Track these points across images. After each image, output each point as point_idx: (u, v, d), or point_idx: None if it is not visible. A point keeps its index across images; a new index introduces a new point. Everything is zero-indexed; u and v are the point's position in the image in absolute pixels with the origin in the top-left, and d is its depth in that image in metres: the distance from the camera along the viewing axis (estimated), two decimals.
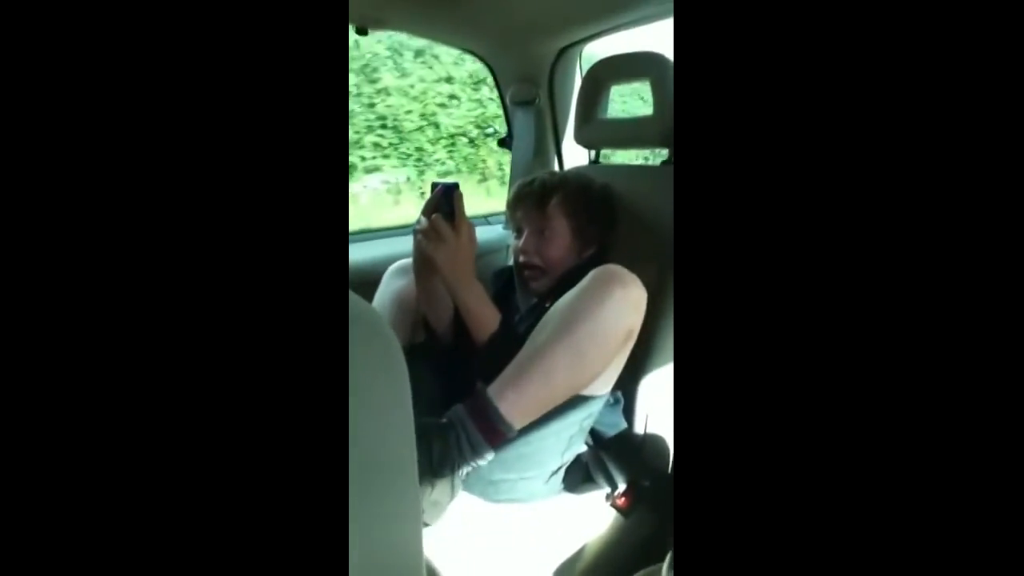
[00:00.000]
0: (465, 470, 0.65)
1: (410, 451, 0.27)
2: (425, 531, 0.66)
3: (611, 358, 0.69)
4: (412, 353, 0.91)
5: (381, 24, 1.15)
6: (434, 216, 0.74)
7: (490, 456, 0.65)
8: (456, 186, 0.76)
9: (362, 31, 1.14)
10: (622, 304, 0.67)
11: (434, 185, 0.77)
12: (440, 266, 0.74)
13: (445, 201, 0.75)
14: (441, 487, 0.62)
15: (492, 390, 0.66)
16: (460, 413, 0.66)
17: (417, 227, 0.77)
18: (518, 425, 0.66)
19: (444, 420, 0.66)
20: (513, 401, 0.65)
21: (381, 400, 0.26)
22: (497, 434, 0.65)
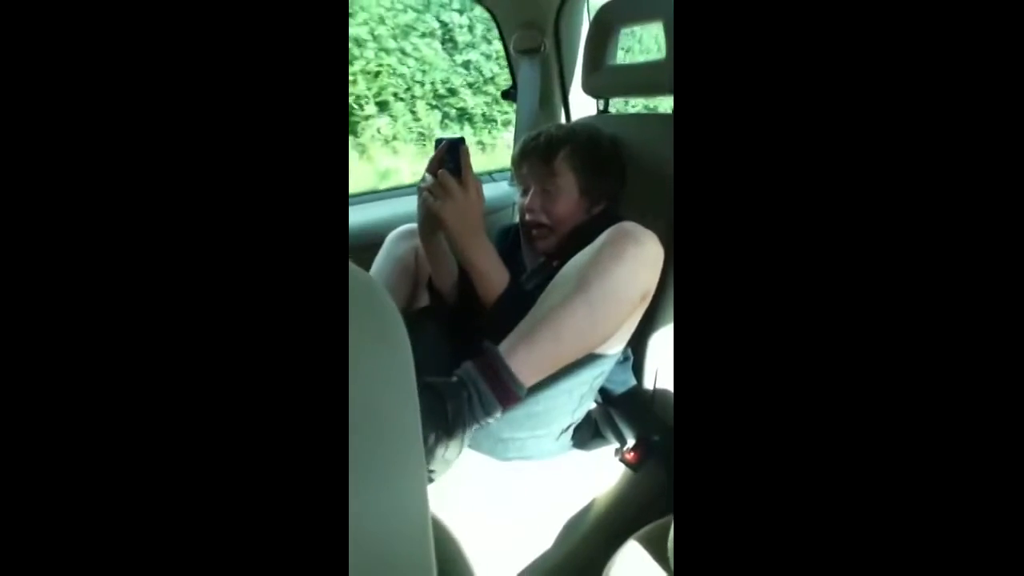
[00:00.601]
0: (474, 427, 0.64)
1: (414, 418, 0.27)
2: (436, 490, 0.67)
3: (626, 317, 0.68)
4: (417, 317, 0.90)
5: None
6: (440, 172, 0.72)
7: (499, 414, 0.65)
8: (462, 140, 0.74)
9: None
10: (638, 263, 0.65)
11: (438, 141, 0.74)
12: (447, 223, 0.72)
13: (450, 157, 0.73)
14: (452, 445, 0.61)
15: (503, 347, 0.65)
16: (471, 371, 0.64)
17: (422, 184, 0.74)
18: (529, 383, 0.65)
19: (455, 378, 0.64)
20: (524, 359, 0.64)
21: (382, 369, 0.25)
22: (508, 392, 0.64)
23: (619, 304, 0.66)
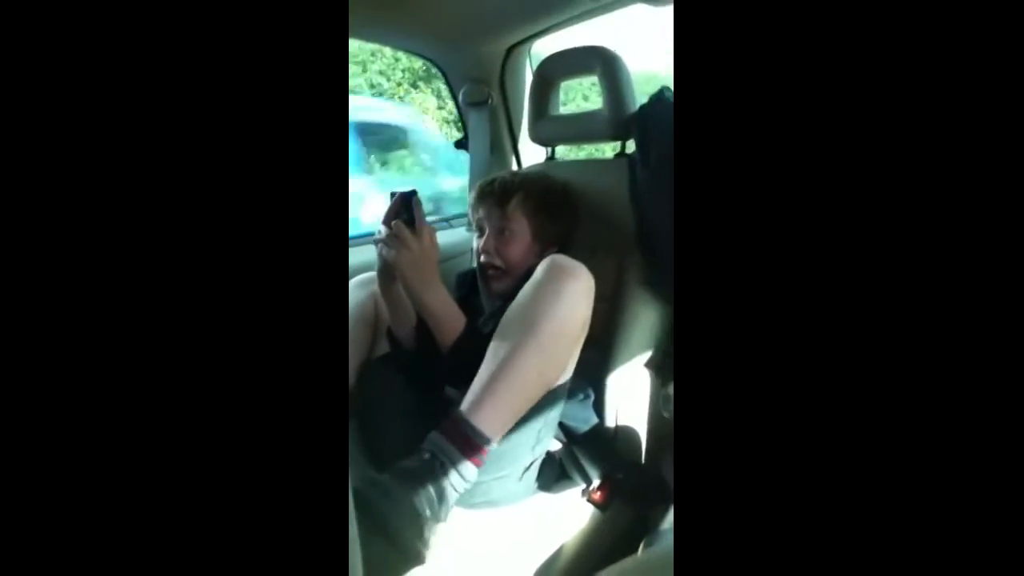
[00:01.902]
0: (454, 498, 0.63)
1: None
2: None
3: (573, 350, 0.70)
4: (378, 364, 0.90)
5: None
6: (395, 223, 0.74)
7: (475, 478, 0.64)
8: (414, 192, 0.76)
9: None
10: (578, 296, 0.68)
11: (392, 194, 0.77)
12: (403, 271, 0.74)
13: (404, 208, 0.75)
14: (440, 524, 0.61)
15: (465, 407, 0.65)
16: (439, 441, 0.64)
17: (377, 236, 0.76)
18: (497, 437, 0.65)
19: (426, 455, 0.64)
20: (490, 415, 0.65)
21: None
22: (480, 452, 0.64)
23: (567, 340, 0.68)
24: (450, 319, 0.77)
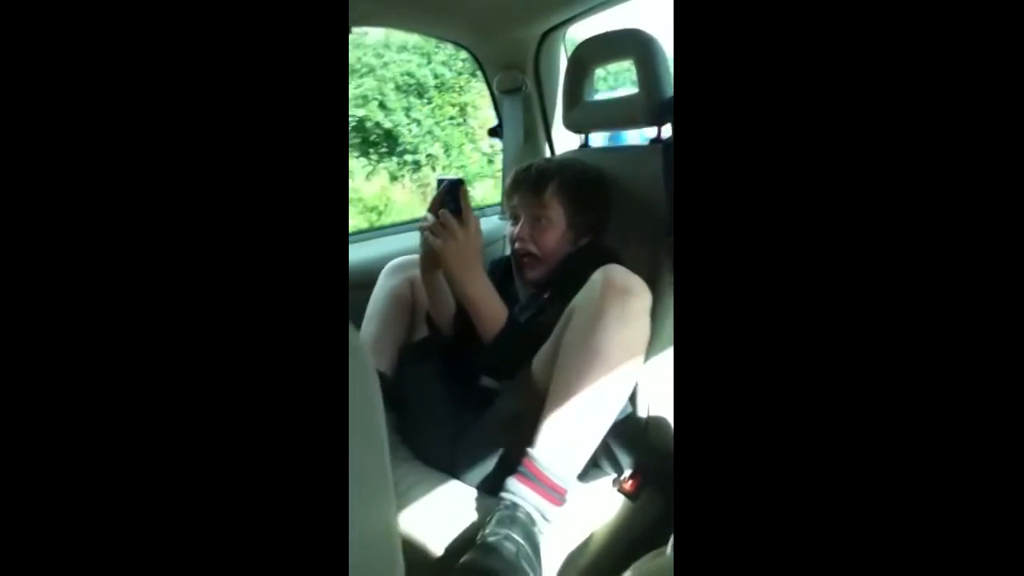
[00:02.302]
0: (542, 542, 0.62)
1: (380, 471, 0.27)
2: (431, 525, 0.66)
3: (639, 365, 0.69)
4: (415, 349, 0.91)
5: (364, 20, 1.14)
6: (441, 211, 0.75)
7: (557, 516, 0.64)
8: (461, 181, 0.77)
9: None
10: (642, 316, 0.66)
11: (439, 182, 0.78)
12: (448, 261, 0.75)
13: (450, 197, 0.76)
14: (538, 569, 0.59)
15: (541, 453, 0.64)
16: (519, 489, 0.63)
17: (423, 224, 0.77)
18: (575, 475, 0.65)
19: (507, 504, 0.62)
20: (566, 456, 0.64)
21: (352, 423, 0.25)
22: (561, 495, 0.63)
23: (634, 359, 0.67)
24: (492, 310, 0.78)
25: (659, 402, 0.82)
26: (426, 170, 5.26)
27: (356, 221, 4.39)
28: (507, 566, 0.56)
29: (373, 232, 1.41)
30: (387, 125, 5.21)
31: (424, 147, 5.35)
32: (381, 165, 5.22)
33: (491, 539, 0.58)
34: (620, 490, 0.76)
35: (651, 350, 0.82)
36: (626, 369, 0.66)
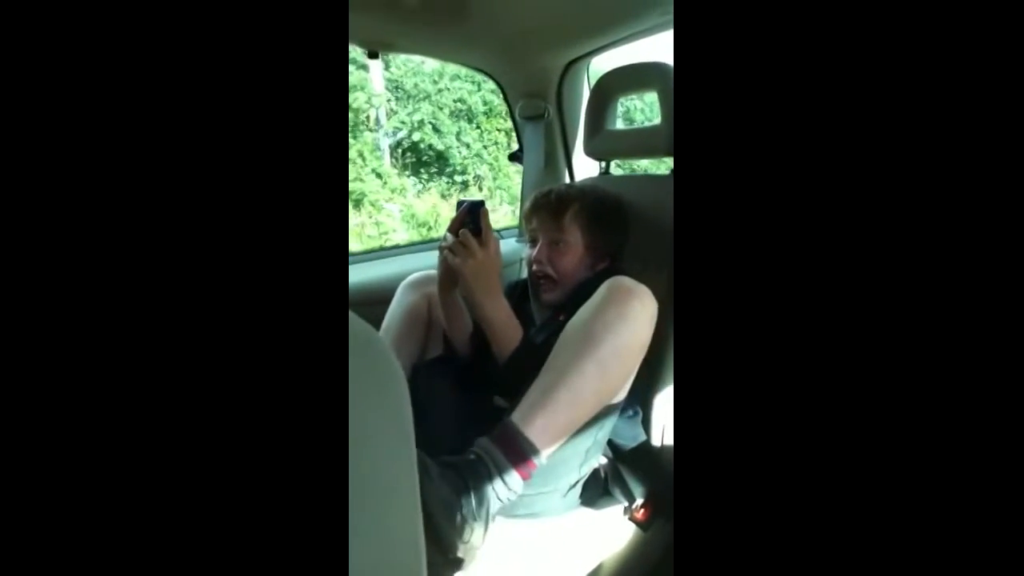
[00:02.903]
0: (497, 508, 0.63)
1: (409, 477, 0.27)
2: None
3: (632, 371, 0.70)
4: (430, 367, 0.91)
5: (390, 47, 1.18)
6: (461, 231, 0.76)
7: (520, 490, 0.64)
8: (482, 203, 0.79)
9: (373, 55, 1.16)
10: (641, 318, 0.67)
11: (460, 203, 0.80)
12: (467, 279, 0.76)
13: (471, 218, 0.78)
14: (478, 528, 0.60)
15: (517, 417, 0.65)
16: (488, 447, 0.64)
17: (443, 243, 0.78)
18: (548, 451, 0.65)
19: (472, 456, 0.64)
20: (542, 427, 0.64)
21: (378, 425, 0.25)
22: (528, 464, 0.64)
23: (627, 360, 0.67)
24: (508, 330, 0.78)
25: (673, 430, 0.81)
26: (473, 189, 5.74)
27: (410, 235, 4.83)
28: (435, 494, 0.57)
29: (385, 251, 1.42)
30: (439, 147, 5.71)
31: (472, 168, 5.86)
32: (431, 184, 5.68)
33: (434, 468, 0.59)
34: (631, 519, 0.75)
35: (667, 376, 0.82)
36: (617, 364, 0.66)
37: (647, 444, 0.82)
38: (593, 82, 1.08)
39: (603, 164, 1.13)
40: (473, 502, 0.60)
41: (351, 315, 0.25)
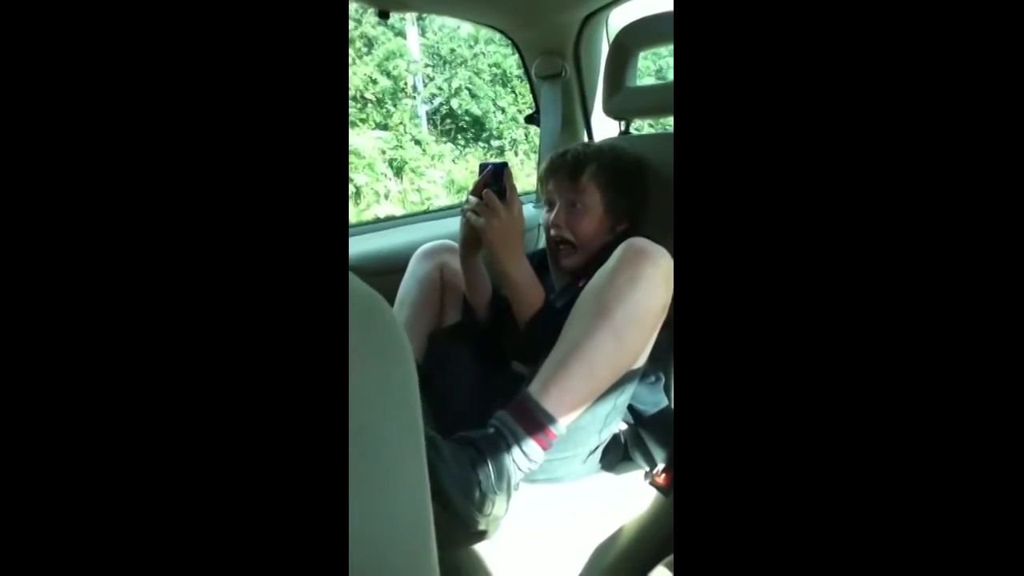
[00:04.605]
0: (518, 478, 0.63)
1: (414, 434, 0.26)
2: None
3: (649, 336, 0.68)
4: (447, 334, 0.91)
5: (401, 6, 1.14)
6: (485, 192, 0.75)
7: (542, 459, 0.64)
8: (505, 165, 0.78)
9: (384, 14, 1.13)
10: (655, 281, 0.65)
11: (483, 166, 0.79)
12: (491, 240, 0.75)
13: (495, 180, 0.76)
14: (499, 501, 0.61)
15: (534, 389, 0.65)
16: (506, 419, 0.64)
17: (466, 206, 0.77)
18: (566, 422, 0.65)
19: (491, 429, 0.64)
20: (558, 398, 0.64)
21: (382, 384, 0.25)
22: (548, 435, 0.64)
23: (643, 325, 0.66)
24: (531, 293, 0.77)
25: None
26: (509, 154, 5.73)
27: (449, 199, 4.86)
28: (450, 473, 0.58)
29: (396, 221, 1.41)
30: (476, 113, 5.71)
31: (508, 133, 5.86)
32: (467, 150, 5.70)
33: (449, 446, 0.60)
34: (652, 483, 0.74)
35: None
36: (632, 329, 0.65)
37: (668, 409, 0.81)
38: (612, 37, 1.03)
39: (622, 124, 1.09)
40: (492, 475, 0.60)
41: (354, 279, 0.24)
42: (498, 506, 0.60)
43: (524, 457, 0.63)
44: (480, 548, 0.63)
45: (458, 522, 0.59)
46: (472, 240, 0.80)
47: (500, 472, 0.61)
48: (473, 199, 0.76)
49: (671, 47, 0.97)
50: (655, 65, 5.53)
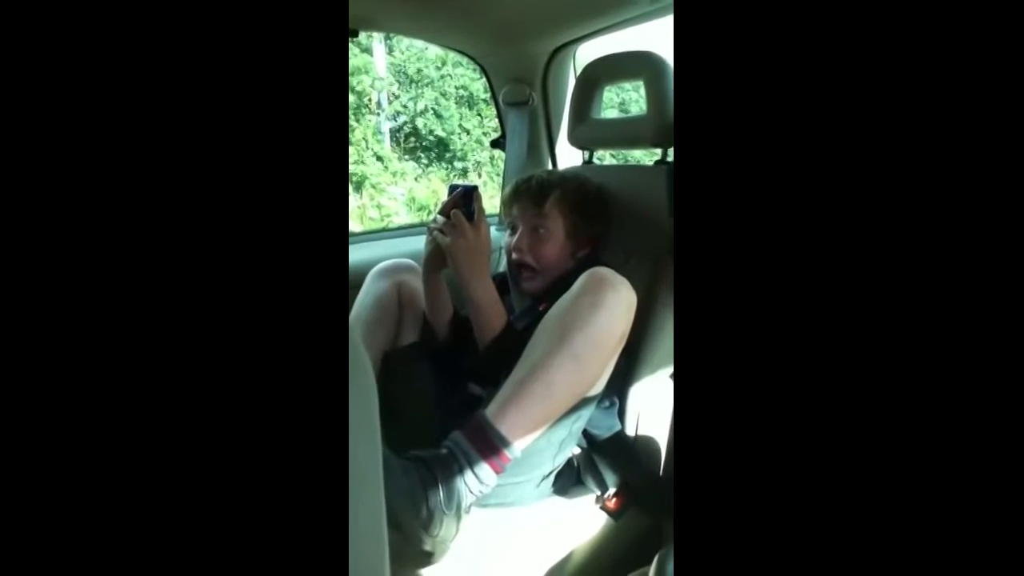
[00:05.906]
0: (470, 501, 0.62)
1: (375, 462, 0.26)
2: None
3: (608, 363, 0.69)
4: (403, 354, 0.90)
5: (372, 24, 1.14)
6: (454, 212, 0.76)
7: (494, 483, 0.63)
8: (476, 188, 0.79)
9: (353, 32, 1.13)
10: (616, 309, 0.66)
11: (452, 187, 0.79)
12: (457, 259, 0.75)
13: (464, 202, 0.77)
14: (448, 523, 0.60)
15: (491, 412, 0.64)
16: (460, 441, 0.63)
17: (433, 225, 0.78)
18: (521, 446, 0.64)
19: (444, 450, 0.63)
20: (515, 420, 0.63)
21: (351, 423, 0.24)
22: (502, 458, 0.63)
23: (602, 352, 0.67)
24: (494, 314, 0.77)
25: (649, 422, 0.81)
26: (472, 175, 5.84)
27: (409, 218, 4.91)
28: (399, 492, 0.57)
29: (357, 237, 1.40)
30: (441, 133, 5.79)
31: (472, 155, 5.95)
32: (429, 170, 5.75)
33: (400, 465, 0.59)
34: (603, 508, 0.75)
35: (645, 367, 0.82)
36: (591, 355, 0.66)
37: (621, 434, 0.82)
38: (579, 70, 1.07)
39: (586, 154, 1.12)
40: (442, 496, 0.59)
41: None
42: (447, 528, 0.59)
43: (476, 480, 0.62)
44: (429, 572, 0.62)
45: (405, 541, 0.58)
46: (436, 259, 0.80)
47: (451, 494, 0.60)
48: (441, 218, 0.76)
49: (636, 83, 1.01)
50: (619, 98, 5.73)
